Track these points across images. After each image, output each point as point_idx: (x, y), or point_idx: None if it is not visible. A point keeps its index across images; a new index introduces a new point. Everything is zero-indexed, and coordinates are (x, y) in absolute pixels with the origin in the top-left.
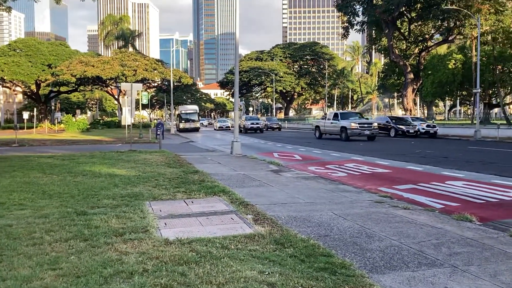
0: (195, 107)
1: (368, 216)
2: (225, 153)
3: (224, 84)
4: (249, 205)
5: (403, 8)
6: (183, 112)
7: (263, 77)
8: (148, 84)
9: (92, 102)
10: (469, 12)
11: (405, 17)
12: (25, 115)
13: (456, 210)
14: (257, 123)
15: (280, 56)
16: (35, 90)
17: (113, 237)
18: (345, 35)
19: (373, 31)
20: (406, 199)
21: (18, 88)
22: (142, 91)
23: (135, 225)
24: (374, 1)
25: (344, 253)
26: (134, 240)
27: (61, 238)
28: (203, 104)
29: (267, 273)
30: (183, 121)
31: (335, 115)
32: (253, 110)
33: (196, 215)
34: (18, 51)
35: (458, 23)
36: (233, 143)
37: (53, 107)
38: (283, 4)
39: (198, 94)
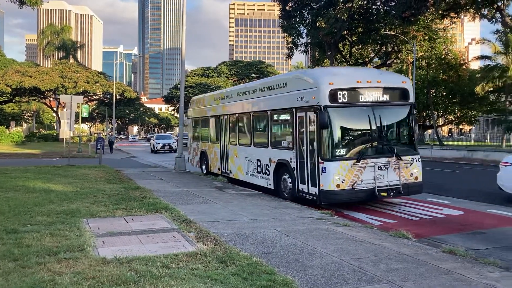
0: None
1: (310, 233)
2: (168, 169)
3: (169, 99)
4: (192, 222)
5: (345, 32)
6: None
7: None
8: (90, 97)
9: (28, 114)
10: (405, 38)
11: (346, 40)
12: None
13: (393, 227)
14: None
15: (226, 73)
16: None
17: (46, 256)
18: (289, 56)
19: (317, 53)
20: (346, 216)
21: None
22: (82, 103)
23: (71, 244)
24: (318, 24)
25: (286, 270)
26: (69, 259)
27: None
28: (146, 118)
29: None
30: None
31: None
32: None
33: (137, 233)
34: None
35: (395, 48)
36: (177, 159)
37: None
38: (229, 22)
39: (142, 109)
